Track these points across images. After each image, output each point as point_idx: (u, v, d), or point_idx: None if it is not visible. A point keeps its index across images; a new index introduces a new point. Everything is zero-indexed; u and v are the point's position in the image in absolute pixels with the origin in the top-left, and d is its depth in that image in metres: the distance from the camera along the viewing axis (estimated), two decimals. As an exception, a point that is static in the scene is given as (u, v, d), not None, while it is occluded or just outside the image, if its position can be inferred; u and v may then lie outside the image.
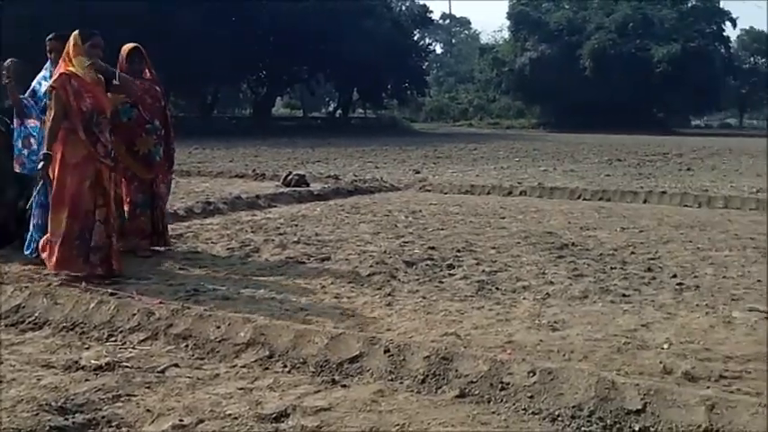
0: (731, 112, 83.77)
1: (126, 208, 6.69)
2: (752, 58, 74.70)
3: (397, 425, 3.20)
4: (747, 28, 74.69)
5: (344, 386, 3.66)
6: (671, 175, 16.66)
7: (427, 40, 60.61)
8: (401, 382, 3.65)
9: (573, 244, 7.64)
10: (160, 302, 4.84)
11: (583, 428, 3.17)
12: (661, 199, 11.69)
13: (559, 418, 3.24)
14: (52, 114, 5.69)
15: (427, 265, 6.48)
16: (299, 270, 6.27)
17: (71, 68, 5.75)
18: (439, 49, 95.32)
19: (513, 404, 3.37)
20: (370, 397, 3.50)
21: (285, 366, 3.90)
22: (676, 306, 5.31)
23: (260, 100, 47.14)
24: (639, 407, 3.20)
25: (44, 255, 5.78)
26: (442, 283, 5.89)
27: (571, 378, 3.41)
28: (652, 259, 6.94)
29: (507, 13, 59.87)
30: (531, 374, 3.48)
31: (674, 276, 6.21)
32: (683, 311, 5.16)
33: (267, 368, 3.91)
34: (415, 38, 55.09)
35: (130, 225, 6.69)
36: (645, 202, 11.61)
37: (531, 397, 3.37)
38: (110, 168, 5.92)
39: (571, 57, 53.78)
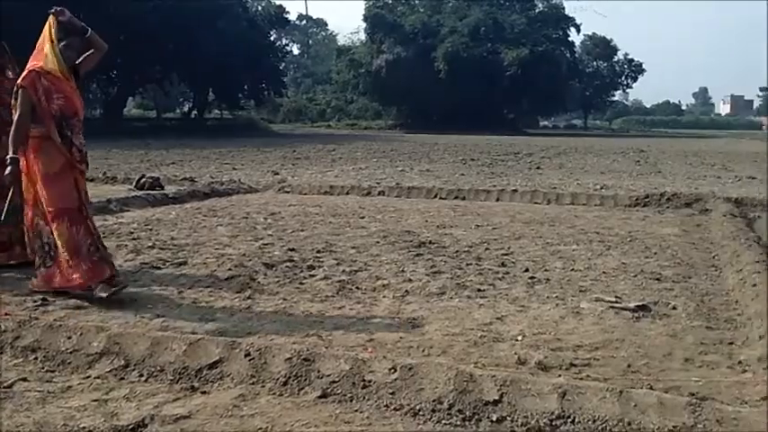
0: (576, 114, 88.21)
1: None
2: (594, 63, 78.77)
3: (260, 428, 3.16)
4: (590, 34, 78.79)
5: (204, 392, 3.58)
6: (521, 173, 17.29)
7: (284, 41, 60.40)
8: (263, 386, 3.61)
9: (430, 242, 7.80)
10: (6, 314, 4.58)
11: (443, 421, 3.24)
12: (513, 197, 12.11)
13: (420, 413, 3.30)
14: (18, 115, 5.16)
15: (287, 266, 6.45)
16: (154, 276, 6.09)
17: (42, 63, 5.22)
18: (296, 50, 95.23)
19: (375, 401, 3.40)
20: (232, 402, 3.44)
21: (141, 375, 3.77)
22: (528, 299, 5.52)
23: (110, 100, 45.49)
24: (496, 397, 3.30)
25: (59, 280, 5.27)
26: (303, 284, 5.87)
27: (431, 373, 3.48)
28: (505, 255, 7.19)
29: (363, 15, 60.47)
30: (392, 371, 3.53)
31: (526, 270, 6.46)
32: (534, 304, 5.37)
33: (122, 378, 3.78)
34: (272, 38, 54.80)
35: None
36: (497, 200, 12.00)
37: (393, 393, 3.42)
38: (83, 175, 5.47)
39: (426, 59, 54.92)
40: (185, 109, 58.22)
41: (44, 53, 5.25)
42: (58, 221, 5.22)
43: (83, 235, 5.23)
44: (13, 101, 5.26)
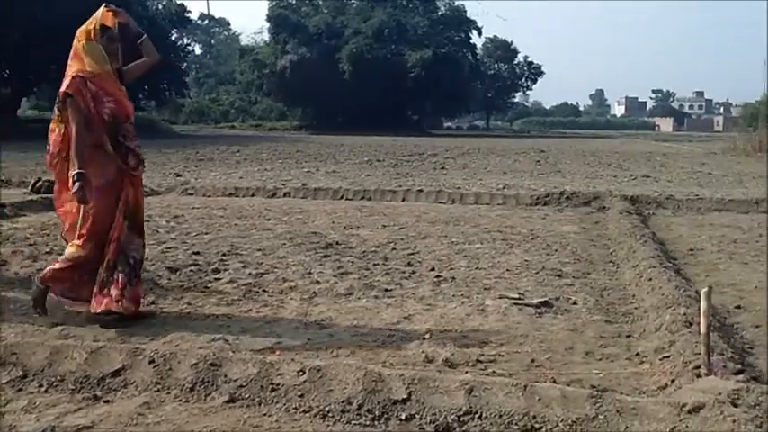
0: (479, 115, 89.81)
1: None
2: (496, 65, 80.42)
3: (166, 436, 3.11)
4: (491, 36, 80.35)
5: (108, 401, 3.49)
6: (426, 174, 17.48)
7: (185, 41, 59.23)
8: (168, 392, 3.54)
9: (337, 243, 7.80)
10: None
11: (353, 422, 3.25)
12: (418, 197, 12.23)
13: (330, 414, 3.30)
14: (74, 127, 4.68)
15: (191, 270, 6.34)
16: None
17: (83, 66, 4.78)
18: (198, 50, 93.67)
19: (284, 404, 3.38)
20: (136, 410, 3.36)
21: (41, 386, 3.65)
22: (435, 297, 5.59)
23: (4, 101, 43.68)
24: (405, 396, 3.33)
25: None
26: (208, 288, 5.79)
27: (339, 374, 3.49)
28: (412, 254, 7.26)
29: (267, 15, 59.92)
30: (301, 373, 3.52)
31: (433, 269, 6.54)
32: (441, 302, 5.45)
33: (21, 389, 3.64)
34: (173, 38, 53.66)
35: None
36: (403, 200, 12.09)
37: (302, 395, 3.41)
38: (139, 181, 5.07)
39: (330, 60, 54.87)
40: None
41: (84, 54, 4.83)
42: (87, 239, 4.84)
43: (108, 260, 4.85)
44: (57, 113, 4.84)
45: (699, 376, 3.60)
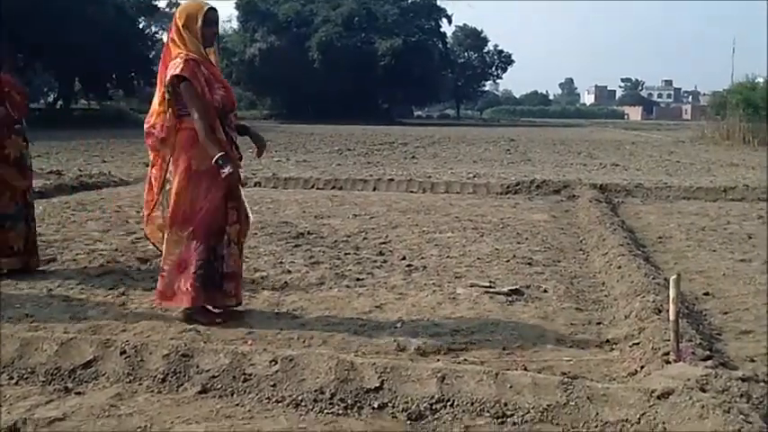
0: (449, 104, 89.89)
1: None
2: (466, 53, 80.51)
3: (139, 427, 3.09)
4: (461, 25, 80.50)
5: (79, 393, 3.46)
6: (397, 163, 17.50)
7: (153, 29, 58.46)
8: (140, 384, 3.52)
9: (308, 232, 7.79)
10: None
11: (325, 411, 3.25)
12: (389, 186, 12.24)
13: (303, 404, 3.30)
14: (196, 113, 4.43)
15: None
16: (21, 274, 5.81)
17: (189, 51, 4.55)
18: (166, 39, 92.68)
19: (257, 394, 3.38)
20: (108, 402, 3.34)
21: (11, 378, 3.60)
22: (406, 286, 5.61)
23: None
24: (377, 384, 3.33)
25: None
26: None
27: (312, 363, 3.49)
28: (383, 243, 7.27)
29: (236, 3, 59.42)
30: (273, 363, 3.51)
31: (404, 259, 6.55)
32: (412, 291, 5.46)
33: (-10, 381, 3.60)
34: (141, 26, 53.01)
35: None
36: (374, 189, 12.10)
37: (274, 385, 3.40)
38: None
39: (300, 48, 54.63)
40: (50, 99, 55.69)
41: (188, 38, 4.60)
42: (179, 228, 4.61)
43: (205, 253, 4.58)
44: (166, 95, 4.58)
45: (668, 362, 3.65)
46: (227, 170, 4.42)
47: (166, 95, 4.58)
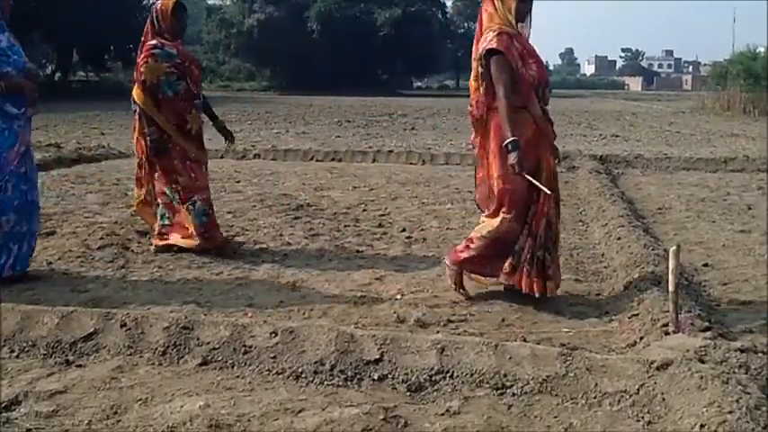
0: (449, 74, 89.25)
1: (199, 196, 5.64)
2: (466, 24, 79.80)
3: (140, 399, 3.10)
4: (461, -7, 79.60)
5: (80, 366, 3.47)
6: (396, 134, 17.44)
7: (151, 0, 58.09)
8: (141, 356, 3.53)
9: (308, 205, 7.79)
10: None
11: (325, 383, 3.26)
12: (388, 158, 12.21)
13: (303, 375, 3.31)
14: (501, 89, 4.26)
15: (162, 233, 6.29)
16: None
17: (504, 24, 4.35)
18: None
19: (257, 366, 3.39)
20: (109, 374, 3.35)
21: (12, 351, 3.61)
22: (406, 258, 5.61)
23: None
24: (377, 356, 3.35)
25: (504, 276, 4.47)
26: (179, 251, 5.75)
27: (312, 335, 3.50)
28: (382, 215, 7.26)
29: (233, -27, 58.96)
30: (273, 335, 3.52)
31: (403, 230, 6.55)
32: (412, 263, 5.47)
33: (-9, 355, 3.61)
34: (139, -3, 52.61)
35: (212, 218, 5.74)
36: (374, 161, 12.08)
37: (274, 357, 3.41)
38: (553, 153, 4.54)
39: (299, 19, 54.19)
40: (48, 71, 55.37)
41: (501, 12, 4.39)
42: (498, 212, 4.45)
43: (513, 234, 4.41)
44: (480, 70, 4.41)
45: (667, 334, 3.66)
46: (512, 158, 4.20)
47: (480, 69, 4.42)
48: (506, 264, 4.44)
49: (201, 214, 5.63)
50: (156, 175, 5.76)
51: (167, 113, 5.61)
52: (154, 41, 5.60)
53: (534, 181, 4.30)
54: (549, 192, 4.32)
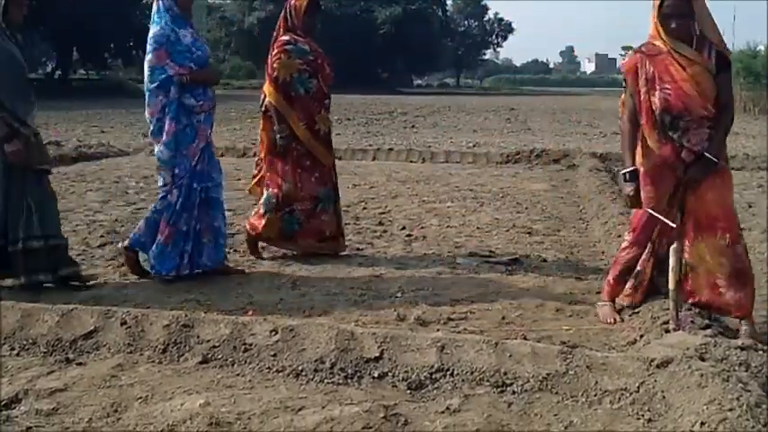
0: (449, 72, 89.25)
1: (299, 206, 5.48)
2: (465, 22, 79.86)
3: (140, 397, 3.10)
4: (462, -8, 79.60)
5: (80, 364, 3.47)
6: (397, 132, 17.43)
7: (151, -1, 58.05)
8: (141, 354, 3.53)
9: (308, 203, 7.76)
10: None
11: (326, 381, 3.26)
12: (388, 155, 12.21)
13: (303, 373, 3.31)
14: (627, 113, 4.01)
15: (162, 231, 6.28)
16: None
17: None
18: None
19: (257, 364, 3.39)
20: (109, 372, 3.35)
21: (13, 349, 3.61)
22: (406, 256, 5.61)
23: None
24: (377, 354, 3.34)
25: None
26: (179, 248, 5.74)
27: (312, 333, 3.49)
28: (382, 213, 7.26)
29: (233, -29, 58.91)
30: (274, 333, 3.52)
31: (403, 228, 6.55)
32: (412, 261, 5.47)
33: (-9, 353, 3.61)
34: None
35: (309, 226, 5.50)
36: (374, 159, 12.08)
37: (275, 355, 3.41)
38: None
39: (299, 18, 54.13)
40: (48, 69, 55.31)
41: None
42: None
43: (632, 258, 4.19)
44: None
45: (667, 331, 3.66)
46: (626, 190, 3.95)
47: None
48: None
49: (295, 223, 5.50)
50: (268, 174, 5.61)
51: (298, 112, 5.45)
52: (287, 37, 5.43)
53: None
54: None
